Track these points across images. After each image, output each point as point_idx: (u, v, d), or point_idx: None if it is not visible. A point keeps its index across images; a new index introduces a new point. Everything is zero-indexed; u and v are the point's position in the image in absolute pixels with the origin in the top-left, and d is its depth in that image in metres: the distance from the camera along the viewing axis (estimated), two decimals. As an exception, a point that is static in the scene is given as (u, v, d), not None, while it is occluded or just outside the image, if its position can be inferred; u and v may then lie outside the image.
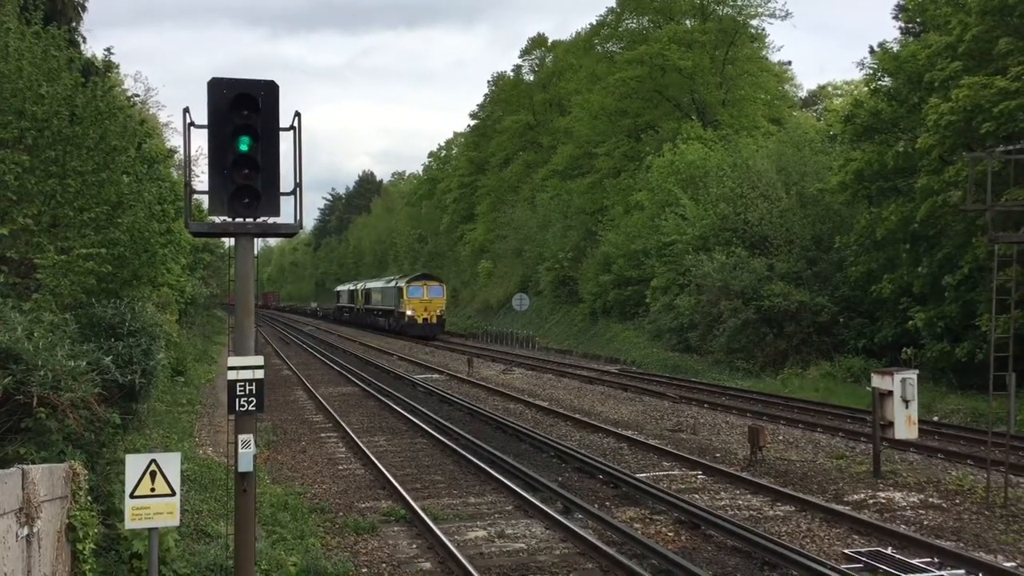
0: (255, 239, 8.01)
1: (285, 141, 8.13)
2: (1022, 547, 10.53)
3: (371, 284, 71.50)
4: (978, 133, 22.20)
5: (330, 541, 11.26)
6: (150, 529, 7.60)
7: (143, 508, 7.44)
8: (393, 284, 59.99)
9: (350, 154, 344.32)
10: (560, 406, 24.13)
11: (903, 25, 33.19)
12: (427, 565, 10.36)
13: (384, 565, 10.36)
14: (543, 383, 30.58)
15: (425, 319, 55.10)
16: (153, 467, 7.49)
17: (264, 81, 8.03)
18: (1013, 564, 9.87)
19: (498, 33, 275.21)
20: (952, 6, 25.62)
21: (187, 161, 7.89)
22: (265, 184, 7.75)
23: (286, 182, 8.01)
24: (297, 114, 8.65)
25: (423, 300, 55.30)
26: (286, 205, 8.19)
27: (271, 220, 8.04)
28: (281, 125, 8.09)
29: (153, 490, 7.45)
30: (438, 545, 10.78)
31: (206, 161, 7.82)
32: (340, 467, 16.25)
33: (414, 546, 11.13)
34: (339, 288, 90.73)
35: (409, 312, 55.09)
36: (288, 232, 8.49)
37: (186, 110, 7.66)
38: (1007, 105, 21.47)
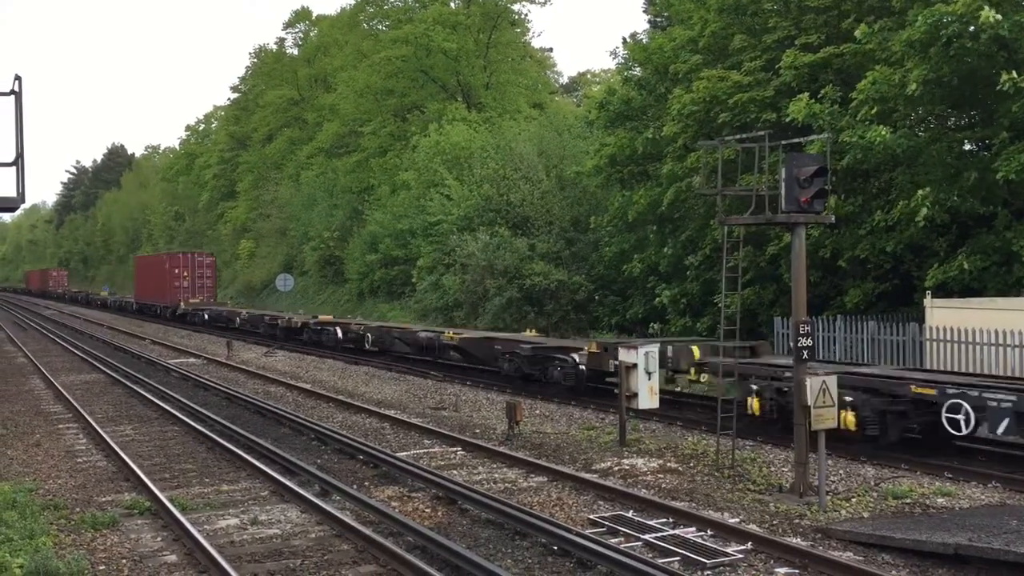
0: (-34, 213, 7.45)
1: (7, 107, 7.54)
2: (745, 504, 11.50)
3: None
4: (716, 123, 23.91)
5: (64, 539, 10.49)
6: None
7: None
8: None
9: (98, 124, 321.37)
10: (323, 388, 23.78)
11: (652, 18, 35.22)
12: (172, 558, 9.89)
13: (124, 561, 9.78)
14: (306, 365, 29.99)
15: None
16: None
17: (-25, 40, 7.34)
18: (736, 520, 10.77)
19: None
20: (694, 2, 27.39)
21: None
22: (-22, 153, 7.24)
23: (7, 152, 7.44)
24: (17, 78, 7.97)
25: None
26: (7, 177, 7.61)
27: (-14, 193, 7.51)
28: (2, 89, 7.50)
29: None
30: (185, 536, 10.31)
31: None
32: (80, 460, 15.18)
33: (159, 539, 10.58)
34: None
35: None
36: (8, 207, 7.90)
37: None
38: (740, 97, 23.28)
